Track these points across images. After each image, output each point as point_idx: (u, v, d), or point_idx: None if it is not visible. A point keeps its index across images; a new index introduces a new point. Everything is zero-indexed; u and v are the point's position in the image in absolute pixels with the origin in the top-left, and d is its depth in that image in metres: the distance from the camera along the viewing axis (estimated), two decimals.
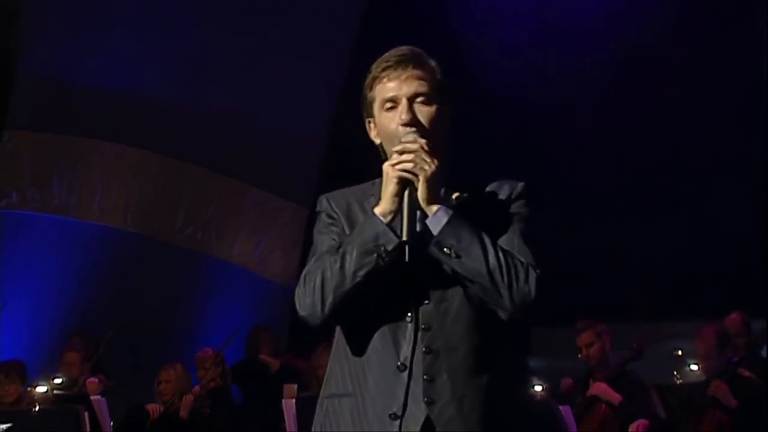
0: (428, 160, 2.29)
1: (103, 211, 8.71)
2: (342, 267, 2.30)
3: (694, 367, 5.97)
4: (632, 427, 5.73)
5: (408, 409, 2.32)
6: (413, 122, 2.38)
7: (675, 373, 6.07)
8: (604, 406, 5.91)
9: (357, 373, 2.38)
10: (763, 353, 6.53)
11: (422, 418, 2.31)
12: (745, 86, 8.15)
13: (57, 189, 8.59)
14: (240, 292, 9.03)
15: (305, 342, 7.23)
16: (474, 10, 8.31)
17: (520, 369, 2.43)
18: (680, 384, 6.01)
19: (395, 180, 2.32)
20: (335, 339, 2.48)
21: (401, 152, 2.32)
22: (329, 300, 2.31)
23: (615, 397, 5.88)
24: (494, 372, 2.33)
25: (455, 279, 2.32)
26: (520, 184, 2.46)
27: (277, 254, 9.32)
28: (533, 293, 2.29)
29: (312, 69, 8.73)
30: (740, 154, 7.80)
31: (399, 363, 2.33)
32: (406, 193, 2.31)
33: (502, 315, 2.30)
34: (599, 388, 5.94)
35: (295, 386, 6.20)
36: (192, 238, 9.03)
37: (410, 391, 2.32)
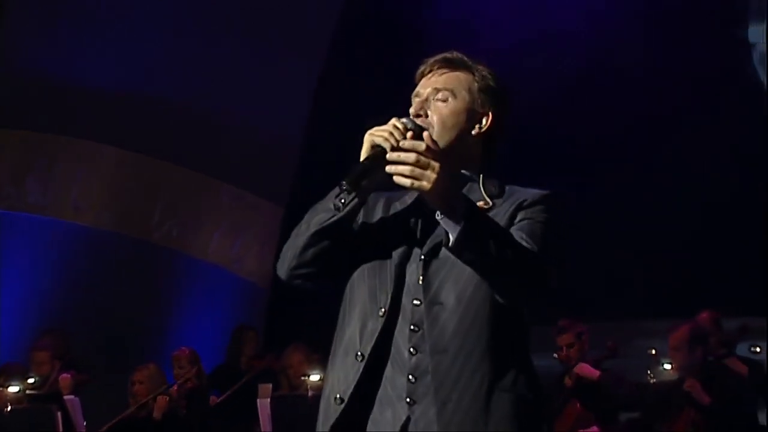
0: (426, 171, 2.23)
1: (78, 210, 8.64)
2: (310, 220, 2.40)
3: (667, 366, 5.99)
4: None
5: (391, 408, 2.33)
6: (419, 113, 2.44)
7: (648, 372, 6.09)
8: (578, 404, 5.93)
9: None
10: (742, 351, 6.51)
11: (403, 418, 2.32)
12: (745, 86, 8.19)
13: (31, 187, 8.52)
14: (216, 291, 9.00)
15: (281, 342, 7.20)
16: (450, 11, 8.29)
17: (519, 368, 2.35)
18: (654, 383, 6.03)
19: (367, 143, 2.34)
20: None
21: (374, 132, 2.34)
22: (290, 251, 2.41)
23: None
24: (487, 373, 2.30)
25: (451, 280, 2.33)
26: (541, 193, 2.42)
27: (253, 253, 9.29)
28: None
29: (288, 68, 8.71)
30: (740, 154, 7.82)
31: (358, 353, 2.36)
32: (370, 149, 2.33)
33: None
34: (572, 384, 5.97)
35: (270, 386, 6.18)
36: (168, 236, 8.99)
37: (394, 389, 2.33)
